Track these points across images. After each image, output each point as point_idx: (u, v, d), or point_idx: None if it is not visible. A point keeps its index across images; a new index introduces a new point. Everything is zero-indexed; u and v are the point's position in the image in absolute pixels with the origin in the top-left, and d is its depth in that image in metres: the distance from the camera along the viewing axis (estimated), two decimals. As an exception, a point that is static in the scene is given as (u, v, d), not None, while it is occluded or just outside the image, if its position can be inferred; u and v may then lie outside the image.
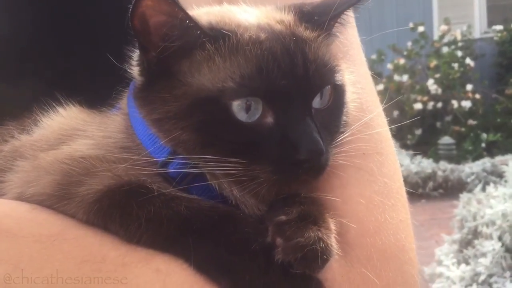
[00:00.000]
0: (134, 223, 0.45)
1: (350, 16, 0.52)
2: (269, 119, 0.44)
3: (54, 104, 0.57)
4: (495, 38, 7.15)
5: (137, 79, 0.51)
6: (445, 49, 6.79)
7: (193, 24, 0.43)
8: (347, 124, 0.51)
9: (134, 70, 0.51)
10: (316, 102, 0.46)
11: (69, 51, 0.63)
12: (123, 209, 0.45)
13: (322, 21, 0.49)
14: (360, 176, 0.49)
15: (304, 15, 0.49)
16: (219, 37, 0.44)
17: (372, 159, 0.50)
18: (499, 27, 7.11)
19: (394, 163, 0.54)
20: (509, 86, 6.42)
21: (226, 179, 0.45)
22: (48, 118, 0.56)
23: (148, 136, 0.48)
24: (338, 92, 0.49)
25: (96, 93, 0.56)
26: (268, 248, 0.42)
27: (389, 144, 0.54)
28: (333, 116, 0.48)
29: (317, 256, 0.41)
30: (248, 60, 0.43)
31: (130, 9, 0.43)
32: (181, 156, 0.46)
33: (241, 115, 0.43)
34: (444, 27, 6.94)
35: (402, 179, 0.54)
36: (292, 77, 0.43)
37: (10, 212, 0.47)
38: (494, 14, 7.62)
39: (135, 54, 0.51)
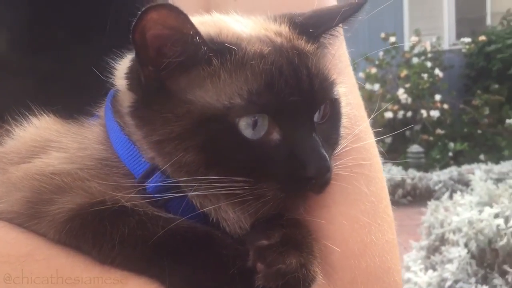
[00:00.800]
0: (107, 244, 0.43)
1: (340, 28, 0.52)
2: (276, 136, 0.43)
3: (27, 114, 0.53)
4: (463, 50, 7.34)
5: (123, 91, 0.49)
6: (415, 60, 6.94)
7: (201, 39, 0.42)
8: (342, 138, 0.50)
9: (120, 82, 0.49)
10: (316, 116, 0.46)
11: (44, 59, 0.60)
12: (96, 229, 0.44)
13: (318, 34, 0.48)
14: (347, 195, 0.49)
15: (298, 27, 0.49)
16: (225, 52, 0.43)
17: (360, 176, 0.49)
18: (467, 39, 7.31)
19: (382, 181, 0.53)
20: (476, 97, 6.60)
21: (230, 199, 0.43)
22: (20, 128, 0.53)
23: (126, 149, 0.47)
24: (335, 105, 0.48)
25: (72, 102, 0.54)
26: (248, 272, 0.41)
27: (377, 160, 0.53)
28: (332, 130, 0.48)
29: (299, 284, 0.41)
30: (255, 75, 0.42)
31: (134, 22, 0.41)
32: (170, 178, 0.44)
33: (247, 132, 0.42)
34: (414, 38, 7.10)
35: (388, 197, 0.54)
36: (298, 92, 0.43)
37: None
38: (462, 26, 7.84)
39: (121, 66, 0.50)
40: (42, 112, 0.54)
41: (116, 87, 0.51)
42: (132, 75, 0.45)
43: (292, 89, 0.43)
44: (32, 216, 0.46)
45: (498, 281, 3.07)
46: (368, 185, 0.49)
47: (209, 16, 0.49)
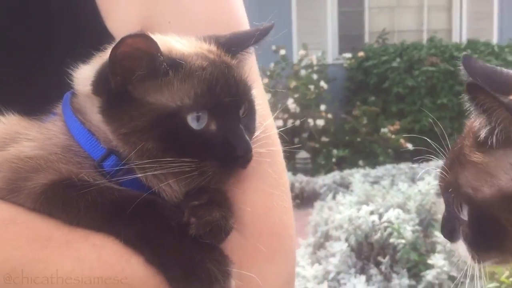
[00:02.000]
0: (74, 209, 0.54)
1: (253, 47, 0.66)
2: (213, 127, 0.57)
3: None
4: (345, 65, 7.86)
5: (86, 95, 0.59)
6: (303, 72, 7.32)
7: (162, 57, 0.54)
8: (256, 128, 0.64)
9: (84, 88, 0.59)
10: (240, 112, 0.60)
11: (2, 63, 0.66)
12: (65, 198, 0.54)
13: (237, 51, 0.63)
14: (256, 172, 0.63)
15: (222, 46, 0.62)
16: (177, 65, 0.55)
17: (266, 159, 0.63)
18: (348, 55, 7.88)
19: (282, 164, 0.68)
20: (356, 108, 7.10)
21: (179, 176, 0.55)
22: None
23: (86, 138, 0.57)
24: (252, 104, 0.62)
25: (29, 105, 0.62)
26: (184, 226, 0.54)
27: (279, 148, 0.68)
28: (251, 122, 0.61)
29: (221, 230, 0.54)
30: (199, 83, 0.56)
31: (114, 45, 0.53)
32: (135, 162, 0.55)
33: (193, 125, 0.55)
34: (302, 52, 7.51)
35: (286, 175, 0.69)
36: (229, 95, 0.57)
37: None
38: (344, 43, 8.41)
39: (80, 75, 0.60)
40: (8, 113, 0.62)
41: (76, 91, 0.61)
42: (100, 82, 0.56)
43: (225, 93, 0.57)
44: (12, 191, 0.55)
45: (373, 271, 3.41)
46: (271, 166, 0.65)
47: (153, 36, 0.58)
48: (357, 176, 4.81)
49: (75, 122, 0.59)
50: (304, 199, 5.74)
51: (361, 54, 7.59)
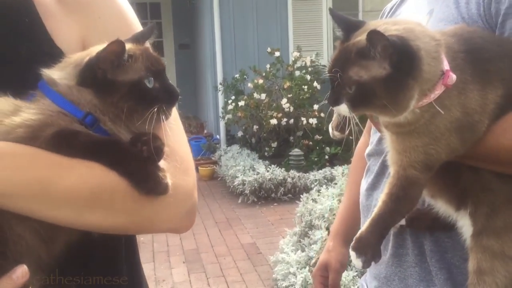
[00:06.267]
0: (72, 147, 0.80)
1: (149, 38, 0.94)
2: (157, 84, 0.85)
3: None
4: None
5: (68, 85, 0.84)
6: (297, 73, 7.57)
7: (128, 56, 0.83)
8: None
9: (66, 81, 0.84)
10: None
11: None
12: (66, 141, 0.81)
13: (144, 41, 0.91)
14: (176, 128, 0.93)
15: (138, 41, 0.90)
16: (131, 56, 0.84)
17: (176, 121, 0.94)
18: (342, 56, 8.17)
19: (184, 134, 0.98)
20: None
21: (141, 119, 0.83)
22: None
23: (69, 105, 0.83)
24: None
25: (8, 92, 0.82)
26: (139, 152, 0.82)
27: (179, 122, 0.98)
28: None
29: (161, 152, 0.83)
30: (143, 62, 0.84)
31: (100, 50, 0.81)
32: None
33: (149, 85, 0.84)
34: (296, 54, 7.79)
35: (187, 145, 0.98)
36: (159, 64, 0.86)
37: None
38: (339, 45, 8.69)
39: (59, 74, 0.84)
40: None
41: (58, 84, 0.85)
42: (87, 73, 0.83)
43: (157, 65, 0.87)
44: (31, 139, 0.78)
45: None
46: (178, 123, 0.96)
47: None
48: (339, 170, 5.07)
49: (58, 95, 0.85)
50: (296, 194, 6.01)
51: (353, 56, 7.83)
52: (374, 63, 0.87)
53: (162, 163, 0.85)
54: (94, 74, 0.83)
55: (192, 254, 4.87)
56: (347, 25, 0.95)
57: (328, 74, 0.93)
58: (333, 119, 1.10)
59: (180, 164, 0.90)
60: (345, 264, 1.50)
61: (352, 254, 0.97)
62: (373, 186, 1.26)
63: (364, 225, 0.97)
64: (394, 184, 0.95)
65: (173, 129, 0.91)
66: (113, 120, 0.84)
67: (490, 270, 0.95)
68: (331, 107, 0.95)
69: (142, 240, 5.12)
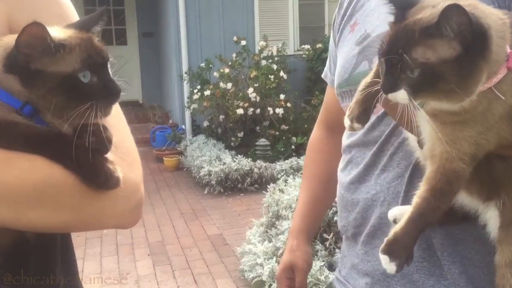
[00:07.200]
0: (11, 138, 0.74)
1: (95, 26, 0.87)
2: (94, 79, 0.78)
3: None
4: (304, 56, 8.15)
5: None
6: (263, 62, 7.53)
7: (52, 41, 0.75)
8: None
9: None
10: (109, 68, 0.81)
11: None
12: (4, 132, 0.74)
13: (89, 30, 0.83)
14: (116, 117, 0.88)
15: (80, 28, 0.82)
16: (64, 46, 0.76)
17: (119, 115, 0.90)
18: (308, 46, 8.21)
19: (128, 129, 0.94)
20: (315, 97, 7.33)
21: (80, 114, 0.76)
22: None
23: (7, 96, 0.76)
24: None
25: None
26: (86, 144, 0.76)
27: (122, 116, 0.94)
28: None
29: (110, 143, 0.78)
30: (80, 53, 0.77)
31: (18, 34, 0.73)
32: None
33: (83, 79, 0.76)
34: (262, 43, 7.74)
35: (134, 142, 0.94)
36: (101, 58, 0.79)
37: None
38: (305, 35, 8.70)
39: None
40: None
41: None
42: (10, 62, 0.75)
43: (98, 58, 0.79)
44: None
45: (319, 247, 3.65)
46: (121, 118, 0.92)
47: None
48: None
49: None
50: (262, 184, 6.01)
51: (319, 45, 7.86)
52: (443, 43, 0.78)
53: (109, 155, 0.79)
54: (16, 60, 0.75)
55: (157, 247, 4.78)
56: (401, 2, 0.85)
57: (385, 57, 0.83)
58: (351, 110, 0.98)
59: (127, 157, 0.85)
60: (311, 263, 1.44)
61: (385, 258, 0.89)
62: (361, 179, 1.17)
63: (398, 226, 0.90)
64: (439, 179, 0.87)
65: (116, 125, 0.85)
66: (52, 112, 0.77)
67: None
68: (384, 94, 0.85)
69: (105, 233, 5.00)
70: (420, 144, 0.95)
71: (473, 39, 0.77)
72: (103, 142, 0.76)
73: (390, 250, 0.89)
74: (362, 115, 0.97)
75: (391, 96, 0.84)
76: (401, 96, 0.83)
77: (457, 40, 0.78)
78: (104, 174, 0.77)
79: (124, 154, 0.84)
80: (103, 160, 0.77)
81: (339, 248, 3.69)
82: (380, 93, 0.86)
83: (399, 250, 0.88)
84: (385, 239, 0.90)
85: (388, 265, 0.88)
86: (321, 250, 3.66)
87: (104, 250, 4.69)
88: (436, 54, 0.79)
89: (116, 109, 0.86)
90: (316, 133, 1.54)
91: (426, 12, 0.81)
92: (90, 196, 0.78)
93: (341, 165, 1.27)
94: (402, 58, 0.80)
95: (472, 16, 0.77)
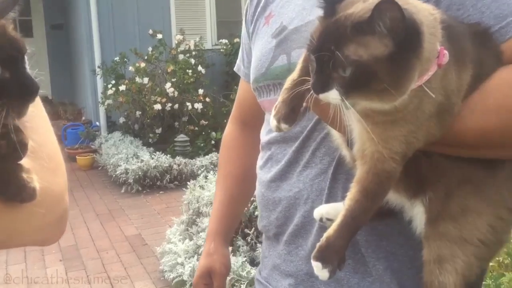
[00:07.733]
0: None
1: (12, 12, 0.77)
2: (6, 75, 0.68)
3: None
4: (222, 50, 8.11)
5: None
6: (181, 57, 7.40)
7: None
8: None
9: None
10: (26, 61, 0.71)
11: None
12: None
13: (2, 17, 0.71)
14: (38, 116, 0.78)
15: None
16: None
17: (41, 113, 0.80)
18: (226, 40, 8.18)
19: (51, 130, 0.84)
20: (234, 92, 7.39)
21: None
22: None
23: None
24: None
25: None
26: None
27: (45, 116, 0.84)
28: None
29: (25, 147, 0.67)
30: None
31: None
32: None
33: None
34: (179, 37, 7.60)
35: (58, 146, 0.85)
36: (12, 48, 0.68)
37: None
38: (222, 29, 8.66)
39: None
40: None
41: None
42: None
43: (11, 50, 0.68)
44: None
45: (240, 242, 3.65)
46: (43, 117, 0.82)
47: None
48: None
49: None
50: (182, 181, 5.92)
51: (236, 40, 7.86)
52: (375, 39, 0.75)
53: (25, 162, 0.68)
54: None
55: (70, 251, 4.52)
56: None
57: (316, 55, 0.78)
58: (277, 109, 0.93)
59: (48, 163, 0.74)
60: (229, 266, 1.37)
61: (317, 265, 0.84)
62: (282, 177, 1.13)
63: (331, 230, 0.86)
64: (371, 180, 0.84)
65: (35, 127, 0.74)
66: None
67: (451, 257, 0.89)
68: (315, 94, 0.80)
69: (12, 239, 4.65)
70: (350, 144, 0.91)
71: (406, 36, 0.74)
72: (15, 147, 0.65)
73: (323, 256, 0.85)
74: (289, 115, 0.92)
75: (322, 96, 0.79)
76: (333, 96, 0.78)
77: (390, 36, 0.74)
78: (16, 185, 0.66)
79: (45, 160, 0.73)
80: (15, 168, 0.66)
81: (260, 242, 3.70)
82: (310, 93, 0.81)
83: (331, 255, 0.84)
84: (317, 245, 0.86)
85: (320, 272, 0.84)
86: (242, 246, 3.66)
87: (10, 258, 4.35)
88: (368, 52, 0.75)
89: (38, 108, 0.76)
90: (230, 129, 1.47)
91: (357, 6, 0.77)
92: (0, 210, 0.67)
93: (260, 162, 1.22)
94: (334, 55, 0.75)
95: (405, 11, 0.73)
